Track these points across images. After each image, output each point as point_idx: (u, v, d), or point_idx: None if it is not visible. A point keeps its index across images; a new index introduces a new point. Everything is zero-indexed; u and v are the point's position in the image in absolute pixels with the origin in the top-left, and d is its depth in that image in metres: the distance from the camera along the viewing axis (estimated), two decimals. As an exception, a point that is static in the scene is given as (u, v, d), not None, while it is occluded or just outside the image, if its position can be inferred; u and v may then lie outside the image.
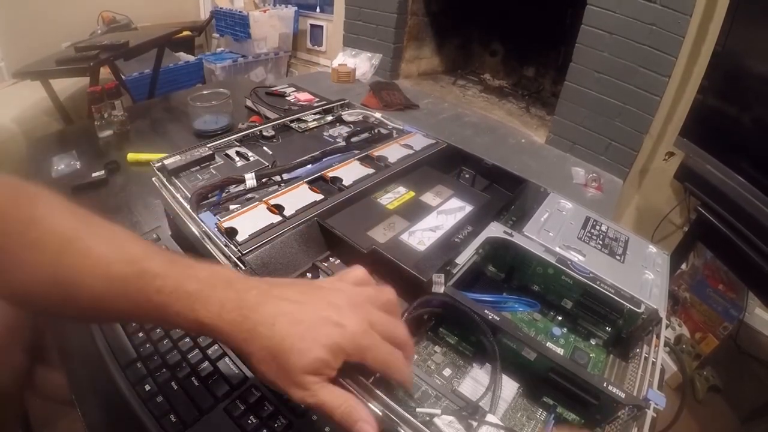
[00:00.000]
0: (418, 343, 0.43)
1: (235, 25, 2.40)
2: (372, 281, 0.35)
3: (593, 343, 0.47)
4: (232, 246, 0.45)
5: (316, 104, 0.97)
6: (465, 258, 0.46)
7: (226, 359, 0.42)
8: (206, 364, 0.41)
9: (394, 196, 0.59)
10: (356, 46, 2.06)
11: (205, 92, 0.98)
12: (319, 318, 0.29)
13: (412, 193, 0.60)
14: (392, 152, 0.68)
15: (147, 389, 0.39)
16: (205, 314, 0.28)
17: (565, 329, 0.48)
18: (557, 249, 0.48)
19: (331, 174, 0.60)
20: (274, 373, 0.28)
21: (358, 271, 0.35)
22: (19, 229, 0.29)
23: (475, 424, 0.33)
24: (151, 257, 0.30)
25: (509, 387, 0.40)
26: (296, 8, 2.49)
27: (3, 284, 0.30)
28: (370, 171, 0.62)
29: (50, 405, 0.78)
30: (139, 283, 0.29)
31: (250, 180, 0.58)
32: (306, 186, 0.57)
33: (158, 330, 0.45)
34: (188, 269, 0.30)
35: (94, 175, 0.80)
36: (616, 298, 0.43)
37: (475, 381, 0.40)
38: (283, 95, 1.10)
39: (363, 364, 0.29)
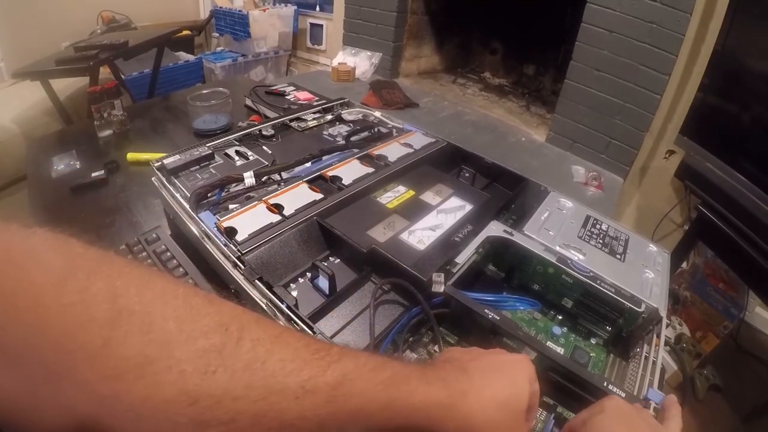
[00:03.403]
0: (417, 341, 0.43)
1: (235, 24, 2.40)
2: None
3: (593, 342, 0.47)
4: (231, 245, 0.45)
5: (315, 103, 0.97)
6: (465, 257, 0.46)
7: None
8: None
9: (393, 195, 0.59)
10: (356, 45, 2.06)
11: (204, 92, 0.98)
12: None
13: (412, 192, 0.60)
14: (392, 151, 0.68)
15: (147, 389, 0.39)
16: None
17: (566, 328, 0.48)
18: (557, 248, 0.48)
19: (330, 173, 0.60)
20: None
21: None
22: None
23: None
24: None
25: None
26: (296, 7, 2.49)
27: None
28: (370, 170, 0.62)
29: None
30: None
31: (249, 179, 0.58)
32: (305, 185, 0.57)
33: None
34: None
35: (93, 174, 0.80)
36: (616, 297, 0.43)
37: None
38: (282, 94, 1.10)
39: None
